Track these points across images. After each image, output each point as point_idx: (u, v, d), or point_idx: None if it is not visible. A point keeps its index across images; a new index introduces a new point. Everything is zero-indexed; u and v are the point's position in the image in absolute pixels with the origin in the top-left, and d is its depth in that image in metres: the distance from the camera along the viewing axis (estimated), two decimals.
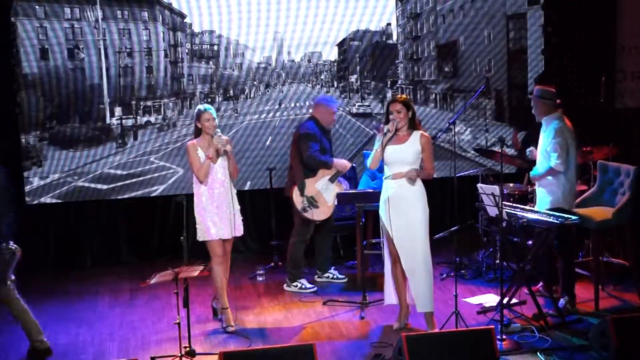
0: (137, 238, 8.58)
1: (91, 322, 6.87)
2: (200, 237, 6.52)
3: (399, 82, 9.29)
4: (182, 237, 6.73)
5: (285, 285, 7.52)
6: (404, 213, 6.16)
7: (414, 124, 6.22)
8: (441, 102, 9.49)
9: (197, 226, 6.51)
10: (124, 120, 8.62)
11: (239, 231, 6.61)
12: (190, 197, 7.64)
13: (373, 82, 9.19)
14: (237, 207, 6.59)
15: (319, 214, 7.26)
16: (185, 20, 8.54)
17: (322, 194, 7.25)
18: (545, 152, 6.65)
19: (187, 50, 8.72)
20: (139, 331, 6.63)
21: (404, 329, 6.37)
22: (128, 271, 8.18)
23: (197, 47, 8.73)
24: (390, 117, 6.19)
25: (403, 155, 6.17)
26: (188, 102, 8.85)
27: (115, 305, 7.30)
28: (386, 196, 6.22)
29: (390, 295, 6.48)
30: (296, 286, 7.46)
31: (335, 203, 7.24)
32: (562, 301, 6.76)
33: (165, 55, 8.65)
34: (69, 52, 8.35)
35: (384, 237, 6.39)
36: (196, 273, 5.82)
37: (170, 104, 8.75)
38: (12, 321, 6.87)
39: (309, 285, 7.46)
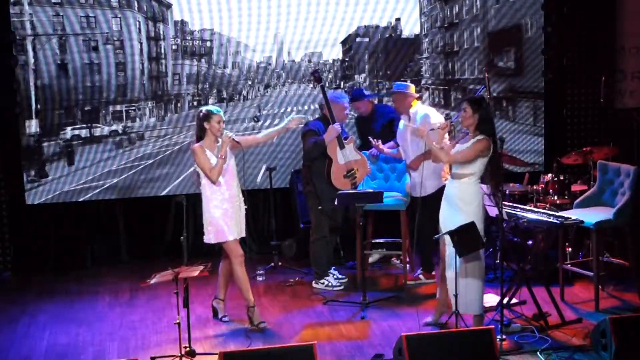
0: (137, 238, 8.58)
1: (91, 322, 6.87)
2: (213, 239, 6.49)
3: (423, 81, 8.42)
4: (182, 237, 6.75)
5: (313, 282, 7.59)
6: (456, 213, 6.08)
7: (482, 128, 5.99)
8: (494, 107, 8.10)
9: (207, 228, 6.48)
10: (76, 131, 7.67)
11: (244, 232, 6.63)
12: (189, 197, 7.68)
13: (388, 82, 8.57)
14: (244, 206, 6.62)
15: (363, 172, 7.38)
16: (184, 19, 8.30)
17: (350, 160, 7.30)
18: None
19: (173, 46, 8.09)
20: (139, 331, 6.63)
21: (433, 325, 6.41)
22: (128, 271, 8.17)
23: (187, 43, 8.10)
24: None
25: None
26: (173, 105, 8.11)
27: (115, 305, 7.30)
28: (445, 194, 6.20)
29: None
30: (323, 284, 7.50)
31: (359, 155, 7.36)
32: (418, 271, 7.55)
33: (142, 50, 7.92)
34: (18, 45, 7.47)
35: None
36: (196, 273, 5.82)
37: (148, 108, 8.08)
38: (13, 321, 6.90)
39: (335, 283, 7.50)
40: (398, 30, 8.68)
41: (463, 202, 6.07)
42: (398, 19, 8.65)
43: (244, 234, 6.63)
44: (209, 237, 6.51)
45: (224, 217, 6.44)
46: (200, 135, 6.46)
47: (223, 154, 6.36)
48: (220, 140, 6.42)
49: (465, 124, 6.09)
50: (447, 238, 6.03)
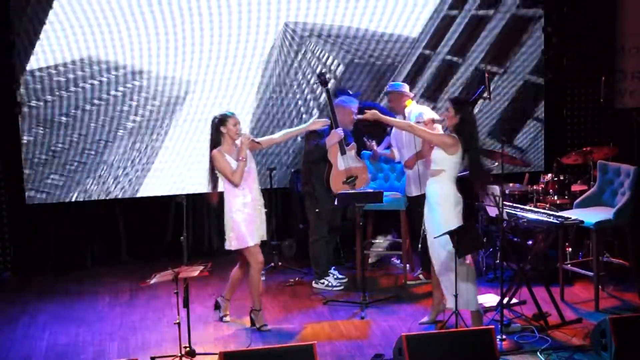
0: (137, 238, 8.57)
1: (91, 322, 6.87)
2: (235, 245, 6.44)
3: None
4: (182, 237, 6.76)
5: (313, 282, 7.59)
6: (432, 211, 6.19)
7: (461, 129, 6.10)
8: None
9: (229, 234, 6.44)
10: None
11: (265, 235, 6.59)
12: (189, 197, 7.68)
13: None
14: (264, 210, 6.60)
15: (362, 179, 7.34)
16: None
17: (350, 167, 7.28)
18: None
19: None
20: (139, 331, 6.63)
21: (429, 324, 6.47)
22: (128, 271, 8.17)
23: None
24: None
25: (434, 154, 6.19)
26: None
27: (115, 305, 7.30)
28: (426, 195, 6.30)
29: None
30: (323, 284, 7.50)
31: (360, 162, 7.35)
32: (418, 270, 7.62)
33: None
34: None
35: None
36: (196, 273, 5.82)
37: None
38: (13, 321, 6.90)
39: (335, 283, 7.51)
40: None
41: (436, 200, 6.16)
42: None
43: (265, 237, 6.61)
44: (231, 244, 6.46)
45: (245, 222, 6.40)
46: (217, 140, 6.41)
47: (244, 156, 6.34)
48: (238, 143, 6.39)
49: (448, 124, 6.19)
50: (436, 240, 6.08)
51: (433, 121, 6.48)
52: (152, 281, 5.69)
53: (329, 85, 7.44)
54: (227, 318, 6.75)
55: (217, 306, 6.82)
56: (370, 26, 8.48)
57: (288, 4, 8.27)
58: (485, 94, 7.87)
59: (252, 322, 6.58)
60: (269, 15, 8.25)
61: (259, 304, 6.59)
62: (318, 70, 8.28)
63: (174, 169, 8.38)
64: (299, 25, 8.35)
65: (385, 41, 8.55)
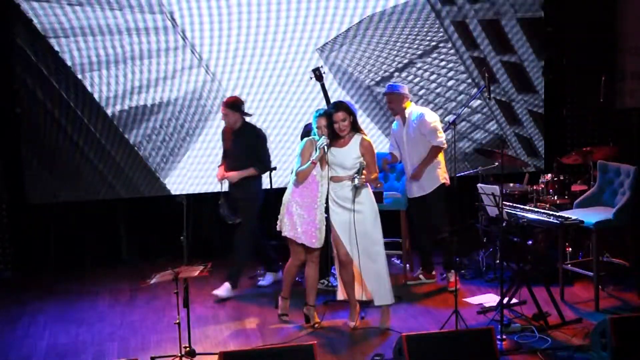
0: (137, 238, 8.58)
1: (91, 322, 6.87)
2: (279, 226, 6.53)
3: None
4: (182, 237, 6.75)
5: None
6: (347, 211, 6.26)
7: (355, 128, 6.28)
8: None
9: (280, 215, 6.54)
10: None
11: (307, 240, 6.48)
12: (189, 197, 7.67)
13: None
14: (320, 217, 6.45)
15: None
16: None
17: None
18: (421, 135, 7.10)
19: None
20: (139, 331, 6.63)
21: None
22: (128, 271, 8.17)
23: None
24: (335, 126, 6.25)
25: (341, 159, 6.25)
26: None
27: (115, 305, 7.30)
28: (331, 197, 6.35)
29: (340, 291, 6.68)
30: (323, 284, 7.48)
31: None
32: (418, 270, 7.59)
33: None
34: None
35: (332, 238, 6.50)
36: (196, 273, 5.83)
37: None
38: (13, 321, 6.90)
39: (335, 283, 7.46)
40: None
41: (366, 197, 6.26)
42: None
43: (311, 244, 6.48)
44: (280, 226, 6.53)
45: (294, 212, 6.41)
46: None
47: (315, 160, 6.27)
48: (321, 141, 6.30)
49: (345, 132, 6.25)
50: (342, 238, 6.28)
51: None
52: (152, 281, 5.70)
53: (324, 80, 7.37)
54: (317, 325, 6.58)
55: (307, 319, 6.66)
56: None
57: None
58: (484, 94, 7.88)
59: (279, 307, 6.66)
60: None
61: (287, 292, 6.64)
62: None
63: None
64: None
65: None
